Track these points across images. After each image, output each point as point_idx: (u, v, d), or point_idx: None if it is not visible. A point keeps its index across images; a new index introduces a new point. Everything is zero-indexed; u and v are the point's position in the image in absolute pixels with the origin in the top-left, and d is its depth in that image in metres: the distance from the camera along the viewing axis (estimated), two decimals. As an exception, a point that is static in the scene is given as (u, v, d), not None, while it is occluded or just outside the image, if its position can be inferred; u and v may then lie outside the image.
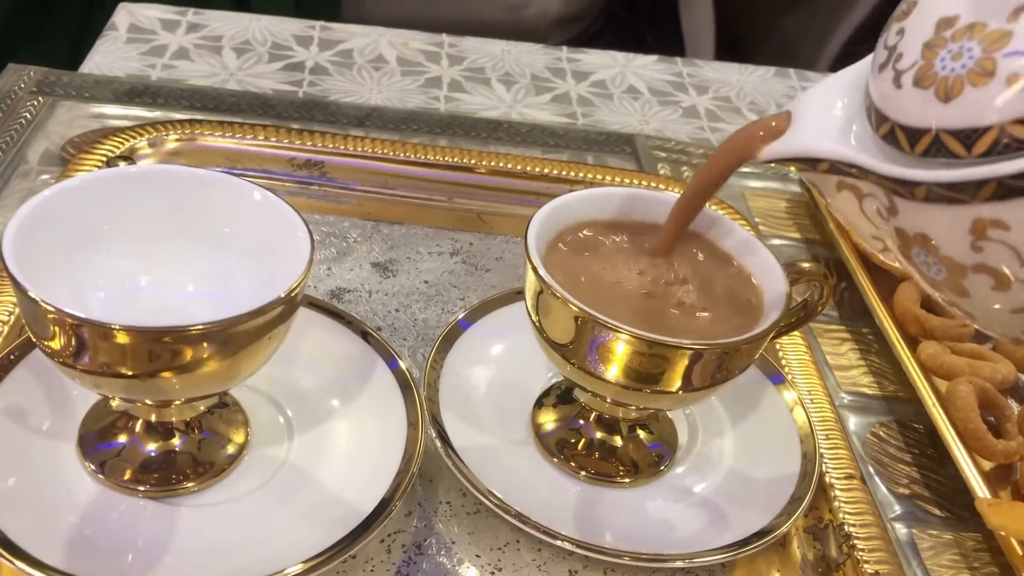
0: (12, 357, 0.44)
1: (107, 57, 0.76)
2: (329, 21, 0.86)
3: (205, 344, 0.36)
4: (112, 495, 0.41)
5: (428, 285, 0.58)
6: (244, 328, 0.36)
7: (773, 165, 0.40)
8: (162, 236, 0.42)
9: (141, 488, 0.41)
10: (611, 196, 0.47)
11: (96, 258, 0.41)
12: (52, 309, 0.35)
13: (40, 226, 0.38)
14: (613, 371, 0.41)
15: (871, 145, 0.35)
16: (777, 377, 0.51)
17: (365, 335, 0.49)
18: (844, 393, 0.56)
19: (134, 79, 0.73)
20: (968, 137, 0.31)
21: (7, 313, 0.48)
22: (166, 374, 0.37)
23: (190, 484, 0.42)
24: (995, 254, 0.32)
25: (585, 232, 0.46)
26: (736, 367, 0.42)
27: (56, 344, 0.36)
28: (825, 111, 0.37)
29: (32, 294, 0.35)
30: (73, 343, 0.36)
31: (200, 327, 0.35)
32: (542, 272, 0.41)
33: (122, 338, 0.35)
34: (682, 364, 0.40)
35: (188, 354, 0.36)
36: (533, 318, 0.43)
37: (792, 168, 0.42)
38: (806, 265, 0.45)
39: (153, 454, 0.42)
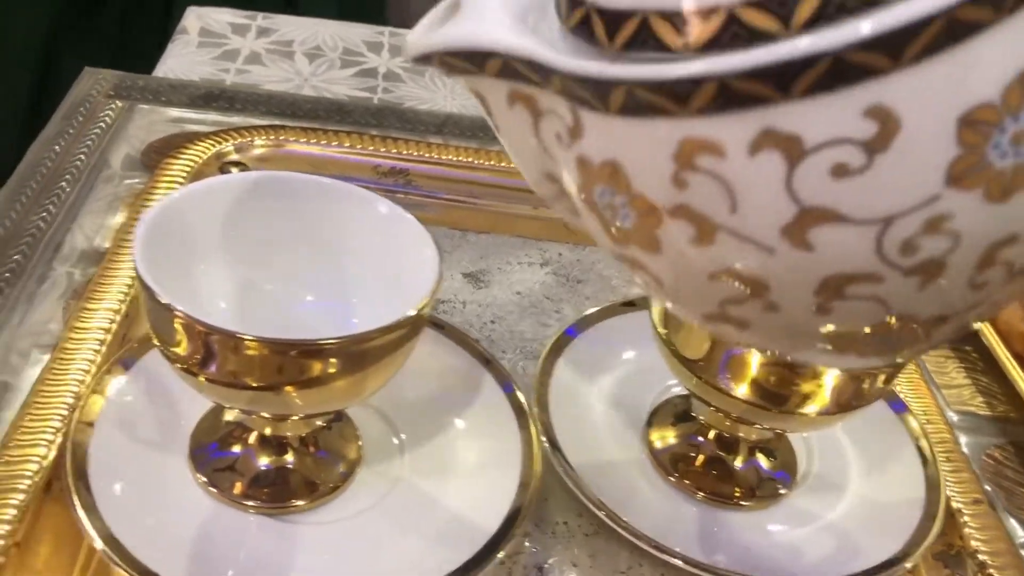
0: (121, 364, 0.43)
1: (180, 61, 0.75)
2: (378, 24, 0.85)
3: (334, 359, 0.35)
4: (223, 509, 0.40)
5: (521, 296, 0.57)
6: (374, 344, 0.35)
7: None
8: (281, 244, 0.40)
9: (251, 503, 0.40)
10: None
11: (216, 265, 0.40)
12: (182, 316, 0.33)
13: (164, 231, 0.37)
14: (744, 388, 0.40)
15: (559, 43, 0.27)
16: (894, 401, 0.49)
17: (467, 346, 0.47)
18: (953, 413, 0.54)
19: (209, 83, 0.72)
20: (685, 22, 0.23)
21: (109, 322, 0.46)
22: (290, 388, 0.35)
23: (302, 501, 0.40)
24: (702, 191, 0.24)
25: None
26: (875, 391, 0.40)
27: (182, 351, 0.35)
28: None
29: (163, 300, 0.33)
30: (200, 352, 0.34)
31: (332, 341, 0.34)
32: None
33: (252, 349, 0.34)
34: (822, 385, 0.39)
35: (316, 368, 0.35)
36: (660, 331, 0.42)
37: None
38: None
39: (266, 468, 0.41)
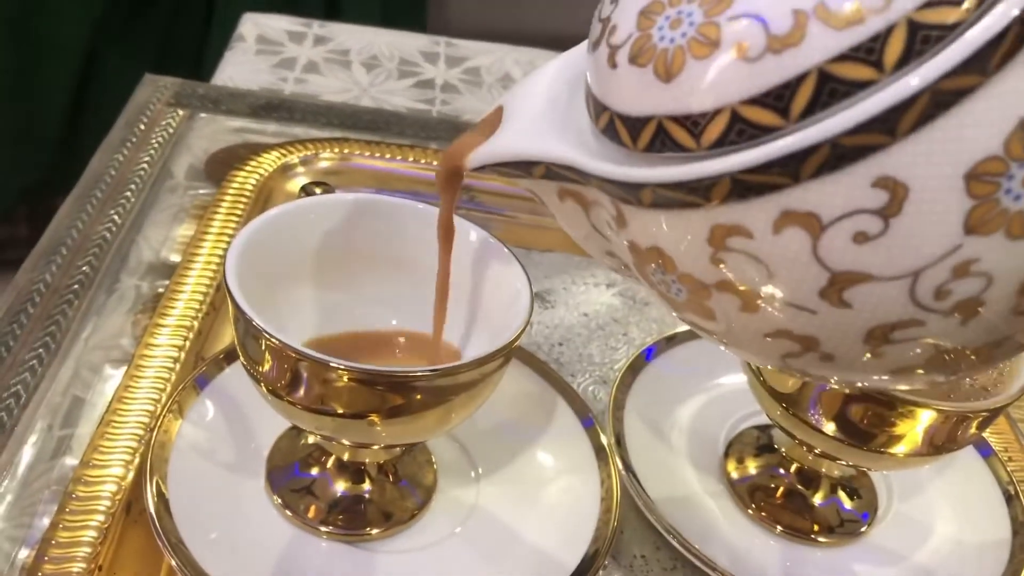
0: (196, 383, 0.42)
1: (239, 69, 0.75)
2: (418, 28, 0.85)
3: (423, 391, 0.34)
4: (298, 533, 0.39)
5: (588, 318, 0.56)
6: (464, 377, 0.34)
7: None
8: (370, 268, 0.40)
9: (325, 529, 0.39)
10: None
11: (300, 288, 0.39)
12: (275, 341, 0.33)
13: (254, 252, 0.36)
14: (833, 425, 0.39)
15: (592, 142, 0.29)
16: (979, 443, 0.48)
17: (542, 371, 0.46)
18: (1031, 449, 0.53)
19: (268, 93, 0.72)
20: (696, 124, 0.25)
21: (182, 339, 0.46)
22: (376, 418, 0.34)
23: (377, 530, 0.40)
24: (739, 268, 0.26)
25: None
26: (969, 436, 0.39)
27: (271, 374, 0.34)
28: (541, 104, 0.31)
29: (257, 323, 0.33)
30: (288, 376, 0.34)
31: (423, 373, 0.33)
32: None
33: (342, 379, 0.33)
34: (915, 427, 0.37)
35: (404, 400, 0.34)
36: (749, 362, 0.41)
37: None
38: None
39: (342, 495, 0.40)
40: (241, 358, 0.36)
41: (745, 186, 0.24)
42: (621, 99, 0.27)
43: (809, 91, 0.24)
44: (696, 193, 0.25)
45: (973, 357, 0.28)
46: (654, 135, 0.26)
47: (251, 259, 0.36)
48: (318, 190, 0.40)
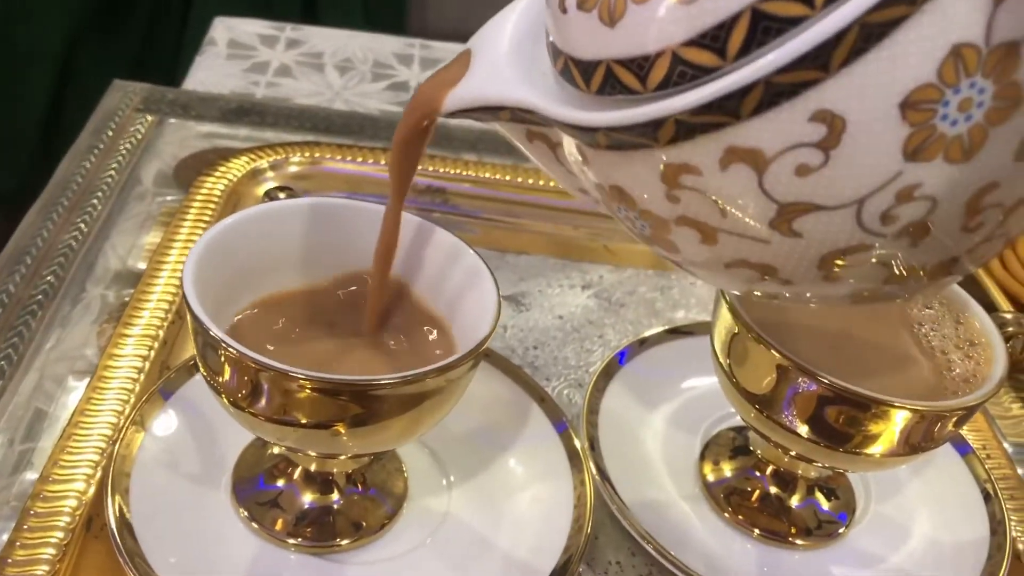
0: (160, 394, 0.41)
1: (210, 74, 0.74)
2: (399, 31, 0.84)
3: (388, 399, 0.33)
4: (264, 546, 0.38)
5: (563, 321, 0.55)
6: (430, 384, 0.33)
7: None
8: (328, 272, 0.39)
9: (293, 541, 0.38)
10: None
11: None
12: (232, 351, 0.32)
13: (214, 260, 0.35)
14: (808, 427, 0.38)
15: (554, 86, 0.30)
16: (957, 441, 0.48)
17: (515, 376, 0.46)
18: (1009, 445, 0.53)
19: (239, 97, 0.71)
20: (640, 67, 0.26)
21: (147, 348, 0.45)
22: (341, 427, 0.34)
23: (346, 541, 0.39)
24: (693, 204, 0.27)
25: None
26: (946, 434, 0.38)
27: (231, 385, 0.33)
28: (506, 47, 0.31)
29: (214, 333, 0.32)
30: (249, 387, 0.33)
31: (388, 381, 0.32)
32: (742, 313, 0.38)
33: (304, 389, 0.32)
34: (891, 427, 0.37)
35: (369, 409, 0.33)
36: (722, 361, 0.40)
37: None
38: (1008, 315, 0.41)
39: (310, 506, 0.39)
40: (201, 369, 0.35)
41: (689, 126, 0.25)
42: (573, 43, 0.28)
43: (744, 30, 0.24)
44: (645, 135, 0.26)
45: (927, 276, 0.29)
46: (604, 79, 0.27)
47: (210, 267, 0.35)
48: (282, 195, 0.39)
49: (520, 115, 0.30)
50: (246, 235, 0.37)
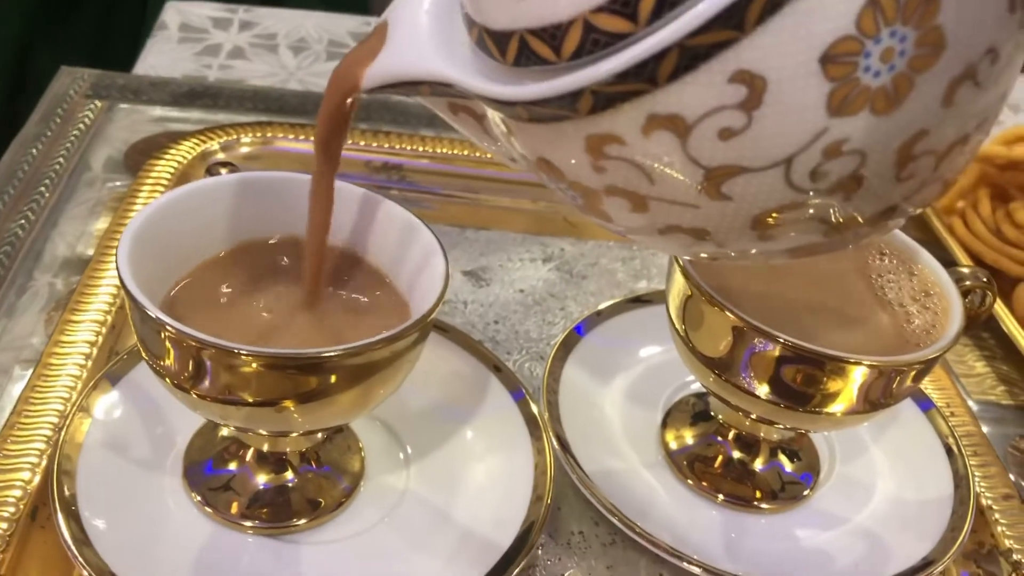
0: (108, 379, 0.40)
1: (161, 58, 0.72)
2: (364, 14, 0.83)
3: (336, 372, 0.32)
4: (220, 530, 0.37)
5: (524, 294, 0.54)
6: (379, 355, 0.33)
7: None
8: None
9: (249, 523, 0.38)
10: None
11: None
12: (172, 330, 0.31)
13: (150, 239, 0.34)
14: (766, 387, 0.38)
15: (472, 57, 0.29)
16: (919, 397, 0.47)
17: (473, 350, 0.45)
18: (974, 403, 0.53)
19: (192, 80, 0.69)
20: (553, 36, 0.25)
21: (94, 334, 0.44)
22: (290, 404, 0.33)
23: (303, 520, 0.38)
24: (620, 174, 0.27)
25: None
26: (905, 389, 0.38)
27: (173, 367, 0.32)
28: (424, 19, 0.30)
29: (152, 313, 0.31)
30: (191, 367, 0.32)
31: (334, 353, 0.32)
32: (695, 277, 0.37)
33: (247, 364, 0.31)
34: (849, 384, 0.36)
35: (316, 383, 0.32)
36: (677, 327, 0.40)
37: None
38: (966, 270, 0.41)
39: (264, 487, 0.39)
40: (142, 353, 0.34)
41: (607, 96, 0.24)
42: (485, 13, 0.27)
43: None
44: (563, 107, 0.25)
45: (865, 225, 0.28)
46: (519, 49, 0.26)
47: (148, 247, 0.34)
48: (224, 170, 0.38)
49: (440, 89, 0.29)
50: (181, 213, 0.36)
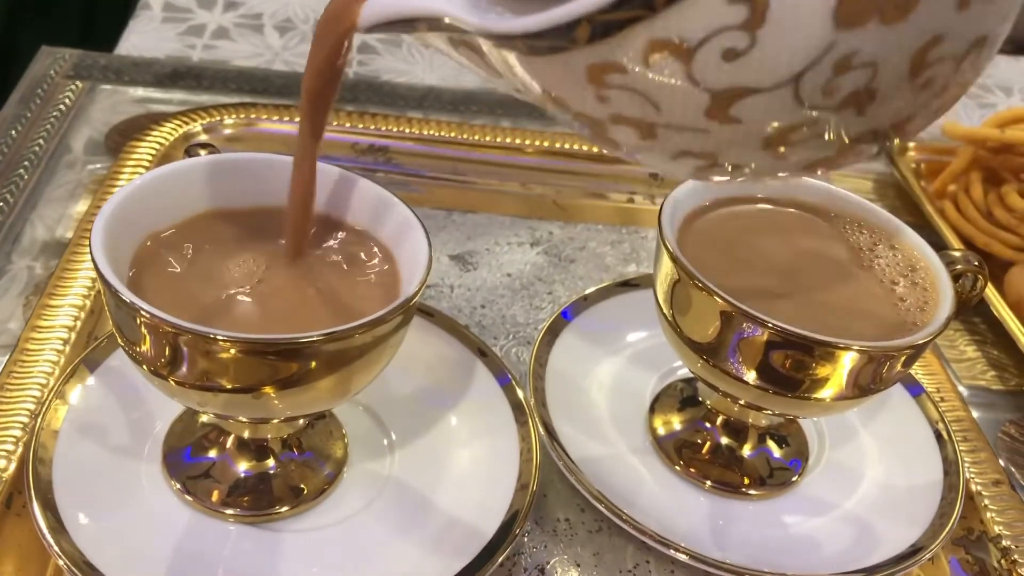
0: (86, 365, 0.39)
1: (144, 38, 0.71)
2: None
3: (316, 357, 0.32)
4: (200, 518, 0.37)
5: (511, 278, 0.54)
6: (360, 340, 0.32)
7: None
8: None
9: (230, 511, 0.37)
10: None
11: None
12: (147, 315, 0.30)
13: (126, 221, 0.33)
14: (755, 373, 0.37)
15: None
16: (909, 382, 0.47)
17: (459, 334, 0.44)
18: (964, 388, 0.52)
19: (175, 61, 0.68)
20: None
21: (72, 319, 0.43)
22: (269, 390, 0.32)
23: (285, 508, 0.38)
24: (624, 103, 0.26)
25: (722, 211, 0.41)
26: (895, 375, 0.37)
27: (149, 353, 0.32)
28: None
29: (126, 298, 0.30)
30: (168, 353, 0.31)
31: (314, 338, 0.31)
32: (683, 261, 0.37)
33: (225, 350, 0.31)
34: (838, 369, 0.36)
35: (296, 368, 0.32)
36: (665, 312, 0.39)
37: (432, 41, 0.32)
38: (957, 254, 0.41)
39: (245, 475, 0.38)
40: (118, 339, 0.33)
41: (605, 25, 0.24)
42: None
43: None
44: (561, 38, 0.25)
45: (888, 134, 0.27)
46: None
47: (123, 230, 0.33)
48: (203, 152, 0.38)
49: (437, 25, 0.28)
50: (157, 195, 0.35)
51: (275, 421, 0.36)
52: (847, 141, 0.27)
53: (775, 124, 0.25)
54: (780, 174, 0.30)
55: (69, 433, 0.37)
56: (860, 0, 0.23)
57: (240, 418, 0.36)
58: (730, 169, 0.28)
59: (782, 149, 0.27)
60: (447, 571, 0.35)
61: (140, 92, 0.63)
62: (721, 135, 0.26)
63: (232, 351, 0.31)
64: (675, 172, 0.30)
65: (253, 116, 0.58)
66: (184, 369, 0.32)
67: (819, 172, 0.29)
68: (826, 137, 0.27)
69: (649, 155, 0.29)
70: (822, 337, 0.34)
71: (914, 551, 0.39)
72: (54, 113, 0.59)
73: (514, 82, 0.30)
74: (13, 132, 0.57)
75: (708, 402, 0.43)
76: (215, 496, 0.37)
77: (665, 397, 0.45)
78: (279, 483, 0.38)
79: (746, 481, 0.42)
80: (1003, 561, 0.41)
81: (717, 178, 0.30)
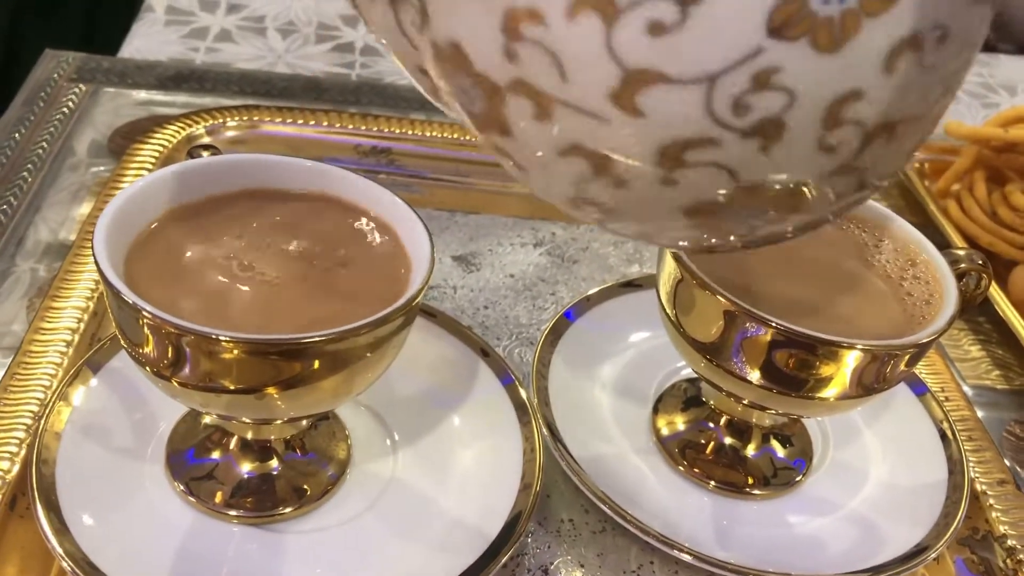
0: (89, 367, 0.39)
1: (147, 41, 0.71)
2: None
3: (319, 358, 0.32)
4: (204, 520, 0.37)
5: (514, 279, 0.54)
6: (363, 340, 0.32)
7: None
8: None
9: (234, 513, 0.37)
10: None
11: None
12: (150, 316, 0.30)
13: (128, 223, 0.34)
14: (758, 372, 0.37)
15: None
16: (913, 382, 0.47)
17: (462, 335, 0.44)
18: (969, 388, 0.52)
19: (178, 63, 0.68)
20: None
21: (75, 321, 0.43)
22: (272, 390, 0.32)
23: (289, 509, 0.38)
24: (533, 62, 0.25)
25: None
26: (899, 374, 0.37)
27: (152, 354, 0.32)
28: None
29: (129, 299, 0.30)
30: (170, 354, 0.31)
31: (317, 339, 0.31)
32: (686, 260, 0.36)
33: (229, 351, 0.31)
34: (842, 369, 0.36)
35: (299, 368, 0.32)
36: (668, 311, 0.39)
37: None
38: (961, 253, 0.40)
39: (248, 476, 0.38)
40: (121, 340, 0.33)
41: None
42: None
43: None
44: None
45: (773, 207, 0.26)
46: None
47: (125, 231, 0.33)
48: (206, 153, 0.38)
49: None
50: (158, 196, 0.35)
51: (278, 422, 0.36)
52: (738, 186, 0.26)
53: (677, 131, 0.25)
54: (662, 226, 0.28)
55: (72, 435, 0.37)
56: (799, 11, 0.22)
57: (243, 419, 0.36)
58: (613, 187, 0.27)
59: (675, 170, 0.26)
60: (450, 572, 0.35)
61: (143, 95, 0.63)
62: (621, 129, 0.25)
63: (235, 352, 0.31)
64: (557, 180, 0.28)
65: (256, 118, 0.59)
66: (187, 370, 0.32)
67: (704, 231, 0.28)
68: (720, 171, 0.26)
69: (537, 146, 0.27)
70: (825, 336, 0.34)
71: (919, 551, 0.39)
72: (57, 116, 0.59)
73: (420, 45, 0.28)
74: (17, 135, 0.57)
75: (712, 402, 0.43)
76: (218, 497, 0.37)
77: (668, 397, 0.45)
78: (282, 484, 0.38)
79: (750, 481, 0.42)
80: (1009, 561, 0.41)
81: (593, 201, 0.28)
